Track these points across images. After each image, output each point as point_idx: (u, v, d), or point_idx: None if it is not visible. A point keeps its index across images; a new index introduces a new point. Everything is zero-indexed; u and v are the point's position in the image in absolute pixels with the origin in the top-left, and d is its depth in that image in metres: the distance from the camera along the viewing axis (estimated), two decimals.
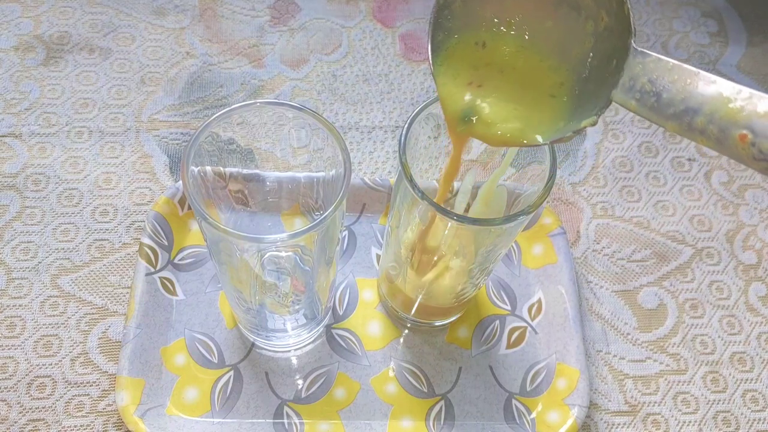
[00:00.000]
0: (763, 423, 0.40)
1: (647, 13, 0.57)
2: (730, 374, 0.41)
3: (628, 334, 0.42)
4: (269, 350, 0.39)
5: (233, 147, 0.32)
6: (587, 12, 0.24)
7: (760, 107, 0.18)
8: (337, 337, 0.40)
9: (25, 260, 0.42)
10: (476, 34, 0.26)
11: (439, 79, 0.26)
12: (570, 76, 0.25)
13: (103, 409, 0.38)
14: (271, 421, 0.37)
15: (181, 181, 0.43)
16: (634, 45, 0.22)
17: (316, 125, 0.29)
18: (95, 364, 0.39)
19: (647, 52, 0.22)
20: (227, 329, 0.40)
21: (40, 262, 0.42)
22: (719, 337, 0.43)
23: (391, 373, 0.39)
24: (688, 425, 0.40)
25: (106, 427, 0.37)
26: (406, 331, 0.41)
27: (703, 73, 0.20)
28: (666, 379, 0.41)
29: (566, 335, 0.40)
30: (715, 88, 0.20)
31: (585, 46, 0.24)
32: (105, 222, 0.43)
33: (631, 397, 0.40)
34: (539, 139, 0.25)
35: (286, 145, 0.32)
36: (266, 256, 0.36)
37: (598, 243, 0.45)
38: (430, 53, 0.26)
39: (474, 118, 0.26)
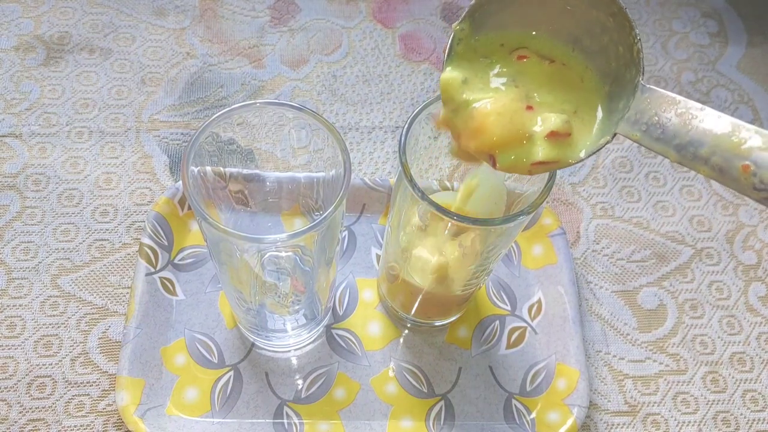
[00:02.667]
0: (762, 423, 0.40)
1: (647, 13, 0.57)
2: (729, 374, 0.41)
3: (628, 334, 0.42)
4: (269, 350, 0.39)
5: (233, 147, 0.32)
6: (591, 61, 0.25)
7: (763, 142, 0.20)
8: (337, 337, 0.40)
9: (25, 260, 0.42)
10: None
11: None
12: (579, 115, 0.26)
13: (103, 409, 0.38)
14: (271, 421, 0.37)
15: (181, 181, 0.43)
16: (642, 83, 0.23)
17: (316, 126, 0.29)
18: (95, 364, 0.39)
19: (654, 88, 0.23)
20: (227, 329, 0.40)
21: (40, 262, 0.42)
22: (719, 337, 0.43)
23: (391, 373, 0.39)
24: (687, 425, 0.40)
25: (106, 427, 0.37)
26: (406, 331, 0.41)
27: (708, 108, 0.22)
28: (666, 380, 0.41)
29: (566, 335, 0.40)
30: (720, 123, 0.21)
31: (590, 90, 0.25)
32: (105, 222, 0.43)
33: (631, 397, 0.40)
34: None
35: (286, 145, 0.32)
36: (266, 256, 0.36)
37: (597, 243, 0.45)
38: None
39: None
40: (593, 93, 0.25)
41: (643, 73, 0.23)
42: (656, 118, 0.23)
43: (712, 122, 0.21)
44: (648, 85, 0.23)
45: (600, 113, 0.25)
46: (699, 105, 0.22)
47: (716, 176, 0.21)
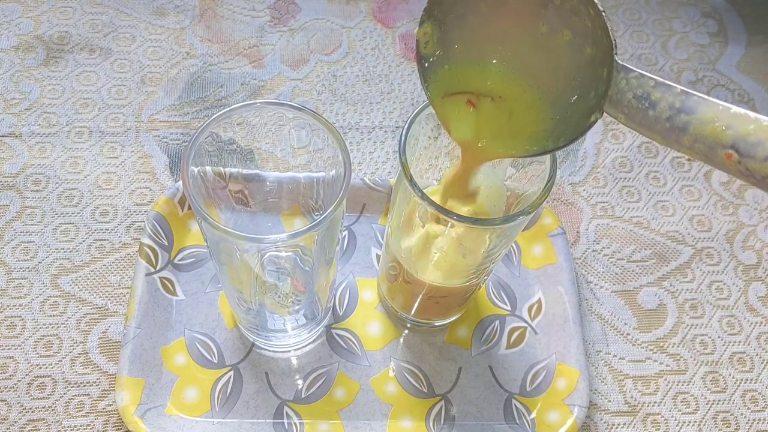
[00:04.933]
0: (763, 423, 0.40)
1: (647, 12, 0.57)
2: (729, 374, 0.41)
3: (628, 334, 0.42)
4: (269, 350, 0.39)
5: (233, 147, 0.32)
6: (567, 24, 0.24)
7: (744, 126, 0.19)
8: (337, 337, 0.40)
9: (25, 260, 0.42)
10: (467, 59, 0.27)
11: (438, 109, 0.27)
12: (558, 94, 0.25)
13: (103, 409, 0.38)
14: (271, 421, 0.37)
15: (181, 181, 0.43)
16: (617, 59, 0.22)
17: (316, 125, 0.29)
18: (95, 364, 0.39)
19: (630, 67, 0.22)
20: (227, 329, 0.40)
21: (40, 262, 0.42)
22: (719, 337, 0.43)
23: (391, 373, 0.39)
24: (688, 425, 0.40)
25: (106, 427, 0.37)
26: (406, 331, 0.41)
27: (687, 90, 0.20)
28: (666, 380, 0.41)
29: (566, 335, 0.40)
30: (700, 107, 0.20)
31: (570, 59, 0.24)
32: (105, 222, 0.43)
33: (631, 397, 0.40)
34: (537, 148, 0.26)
35: (286, 145, 0.32)
36: (266, 256, 0.36)
37: (598, 243, 0.45)
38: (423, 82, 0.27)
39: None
40: (531, 110, 0.26)
41: (616, 46, 0.22)
42: (635, 101, 0.21)
43: (691, 106, 0.20)
44: (624, 64, 0.22)
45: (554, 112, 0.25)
46: (677, 87, 0.20)
47: (705, 161, 0.20)
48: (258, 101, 0.29)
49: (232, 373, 0.39)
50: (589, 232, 0.46)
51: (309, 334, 0.39)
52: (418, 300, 0.38)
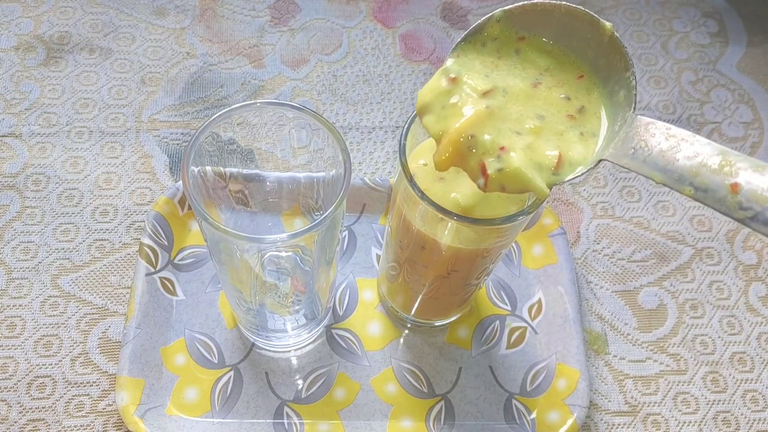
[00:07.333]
0: (763, 423, 0.40)
1: (647, 12, 0.57)
2: (730, 374, 0.41)
3: (628, 334, 0.42)
4: (269, 350, 0.39)
5: (233, 147, 0.32)
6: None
7: (750, 165, 0.21)
8: (337, 337, 0.40)
9: (25, 260, 0.42)
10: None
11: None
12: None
13: (103, 409, 0.38)
14: (271, 421, 0.37)
15: (181, 181, 0.43)
16: (633, 114, 0.24)
17: (316, 125, 0.29)
18: (95, 364, 0.39)
19: (643, 117, 0.24)
20: (227, 329, 0.40)
21: (40, 262, 0.42)
22: (719, 337, 0.43)
23: (392, 374, 0.39)
24: (688, 425, 0.40)
25: (106, 427, 0.37)
26: (406, 331, 0.41)
27: (697, 137, 0.22)
28: (666, 380, 0.41)
29: (566, 335, 0.40)
30: (709, 147, 0.22)
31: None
32: (105, 222, 0.43)
33: (631, 397, 0.40)
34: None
35: (286, 145, 0.32)
36: (266, 256, 0.36)
37: (598, 243, 0.45)
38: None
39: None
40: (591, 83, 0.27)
41: (635, 109, 0.24)
42: (643, 143, 0.23)
43: (701, 146, 0.22)
44: (638, 114, 0.24)
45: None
46: (688, 133, 0.22)
47: (700, 196, 0.21)
48: (258, 101, 0.29)
49: (232, 373, 0.39)
50: (589, 232, 0.46)
51: (309, 334, 0.39)
52: (418, 300, 0.37)
